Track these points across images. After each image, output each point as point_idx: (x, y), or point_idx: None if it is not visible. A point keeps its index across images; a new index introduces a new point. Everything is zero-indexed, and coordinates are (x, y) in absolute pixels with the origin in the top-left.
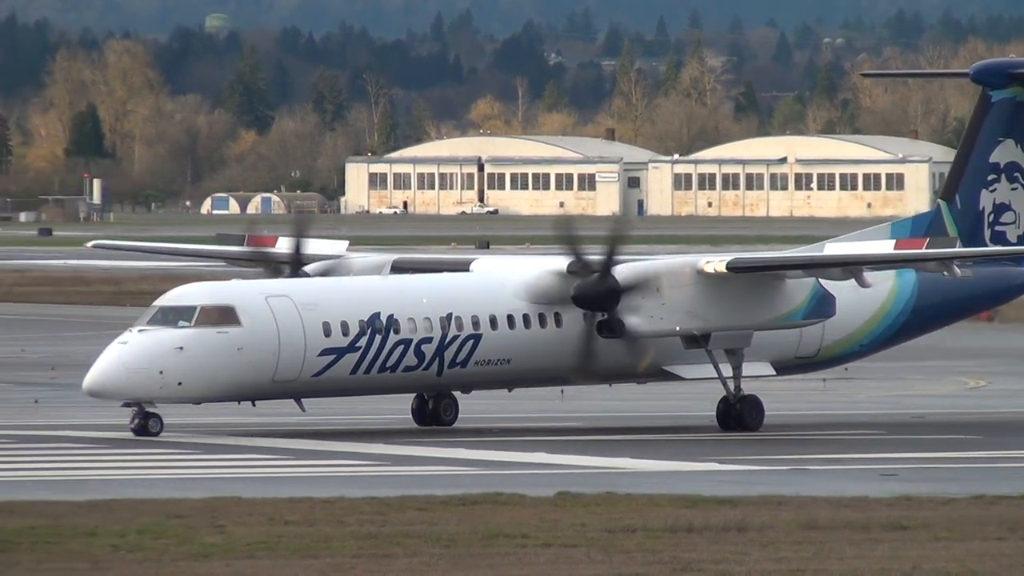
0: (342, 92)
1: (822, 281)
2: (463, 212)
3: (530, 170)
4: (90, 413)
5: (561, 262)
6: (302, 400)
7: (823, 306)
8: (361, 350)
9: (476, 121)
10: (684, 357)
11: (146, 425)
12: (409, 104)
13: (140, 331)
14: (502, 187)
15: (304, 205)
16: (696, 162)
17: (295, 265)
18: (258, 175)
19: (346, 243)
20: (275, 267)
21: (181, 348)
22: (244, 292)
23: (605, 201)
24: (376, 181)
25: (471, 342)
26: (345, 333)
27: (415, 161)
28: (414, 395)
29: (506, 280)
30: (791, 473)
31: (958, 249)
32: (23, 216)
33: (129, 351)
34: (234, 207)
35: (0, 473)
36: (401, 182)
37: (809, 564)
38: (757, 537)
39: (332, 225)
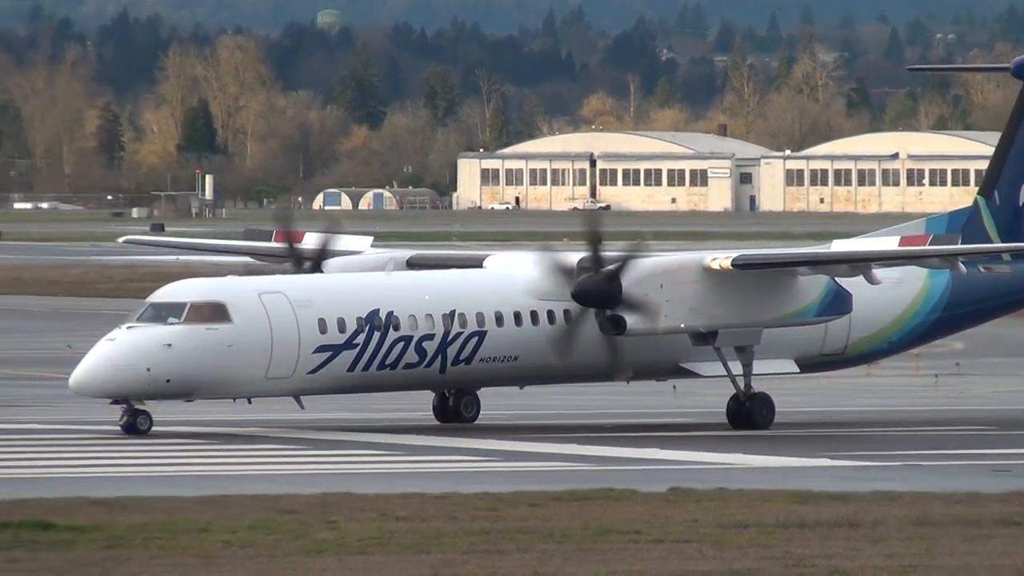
0: (454, 88)
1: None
2: (575, 208)
3: (642, 166)
4: (199, 409)
5: (572, 258)
6: (300, 398)
7: (838, 303)
8: (359, 347)
9: (588, 117)
10: (702, 354)
11: (135, 423)
12: (521, 100)
13: (128, 328)
14: (614, 183)
15: (416, 201)
16: (808, 158)
17: (318, 261)
18: (370, 171)
19: (369, 239)
20: (299, 262)
21: (169, 345)
22: (237, 289)
23: (717, 197)
24: (488, 177)
25: (475, 339)
26: (342, 330)
27: (527, 157)
28: (434, 393)
29: (515, 276)
30: (903, 469)
31: (958, 246)
32: (135, 212)
33: (116, 348)
34: (346, 203)
35: (113, 469)
36: (513, 178)
37: (921, 560)
38: (869, 533)
39: (445, 221)
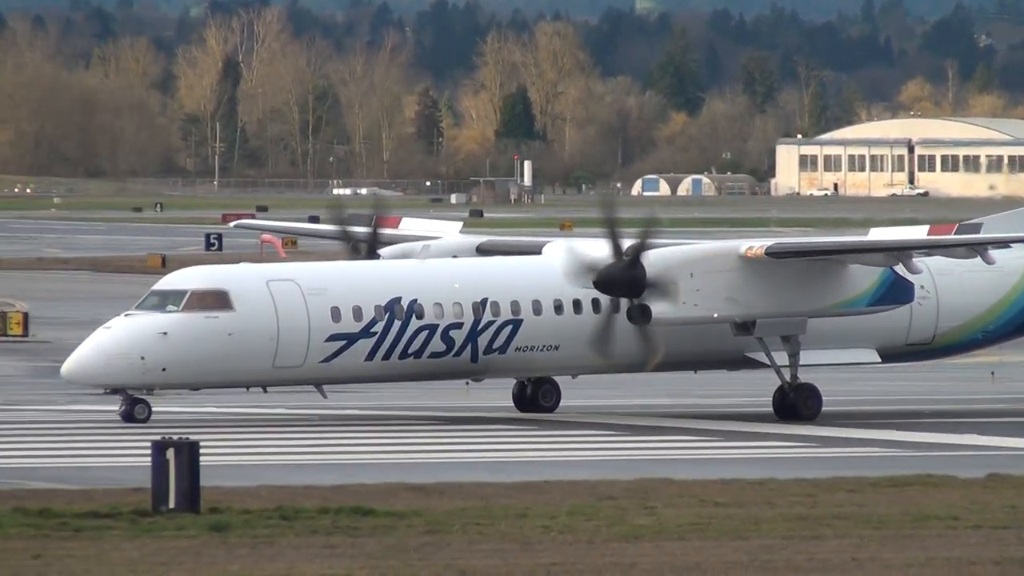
0: (772, 74)
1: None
2: (893, 194)
3: (960, 152)
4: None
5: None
6: (322, 387)
7: (895, 293)
8: (377, 336)
9: (906, 103)
10: (769, 344)
11: (132, 412)
12: (839, 86)
13: (126, 315)
14: (932, 169)
15: (734, 187)
16: None
17: (371, 246)
18: (688, 157)
19: (458, 225)
20: (354, 246)
21: (165, 333)
22: (243, 276)
23: None
24: (806, 163)
25: (509, 328)
26: (358, 318)
27: (845, 143)
28: (515, 382)
29: (559, 264)
30: None
31: (983, 235)
32: (454, 198)
33: (110, 336)
34: (664, 189)
35: (432, 455)
36: (831, 164)
37: None
38: None
39: (763, 207)
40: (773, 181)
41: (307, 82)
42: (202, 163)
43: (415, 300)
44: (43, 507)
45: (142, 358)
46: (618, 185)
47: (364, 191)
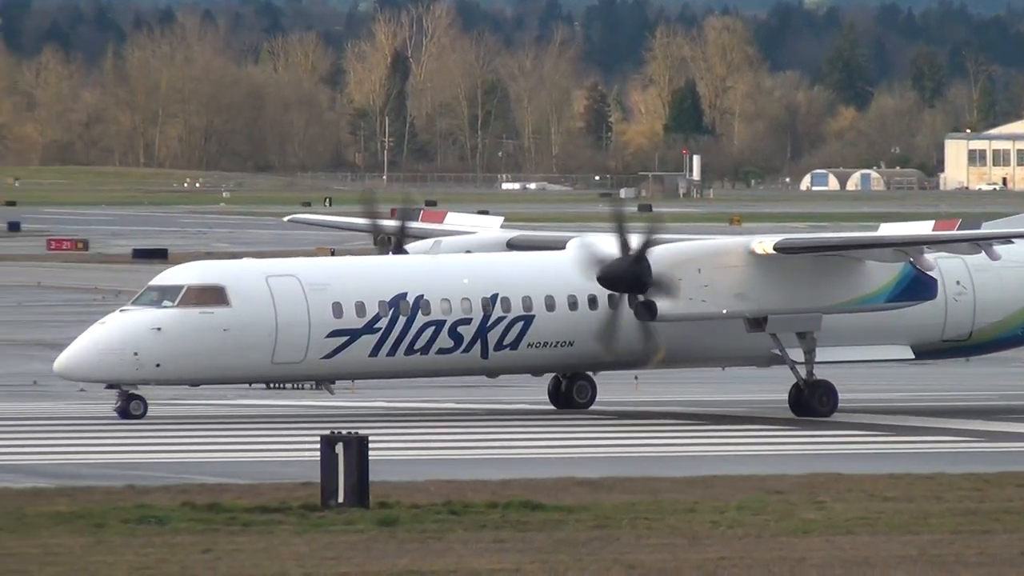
0: (941, 68)
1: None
2: None
3: None
4: (689, 390)
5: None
6: (329, 383)
7: (916, 289)
8: (381, 332)
9: None
10: (784, 341)
11: (128, 408)
12: (1008, 81)
13: (122, 311)
14: None
15: (903, 181)
16: None
17: (399, 240)
18: (857, 151)
19: (499, 220)
20: (383, 240)
21: (159, 329)
22: (242, 272)
23: None
24: (975, 157)
25: (520, 324)
26: (361, 314)
27: (1014, 138)
28: (551, 377)
29: (574, 260)
30: None
31: (985, 231)
32: (623, 192)
33: (103, 332)
34: (833, 183)
35: (601, 449)
36: (1000, 158)
37: None
38: None
39: (931, 202)
40: (942, 176)
41: (476, 76)
42: (371, 158)
43: (421, 296)
44: (212, 502)
45: (135, 354)
46: (787, 180)
47: (533, 186)
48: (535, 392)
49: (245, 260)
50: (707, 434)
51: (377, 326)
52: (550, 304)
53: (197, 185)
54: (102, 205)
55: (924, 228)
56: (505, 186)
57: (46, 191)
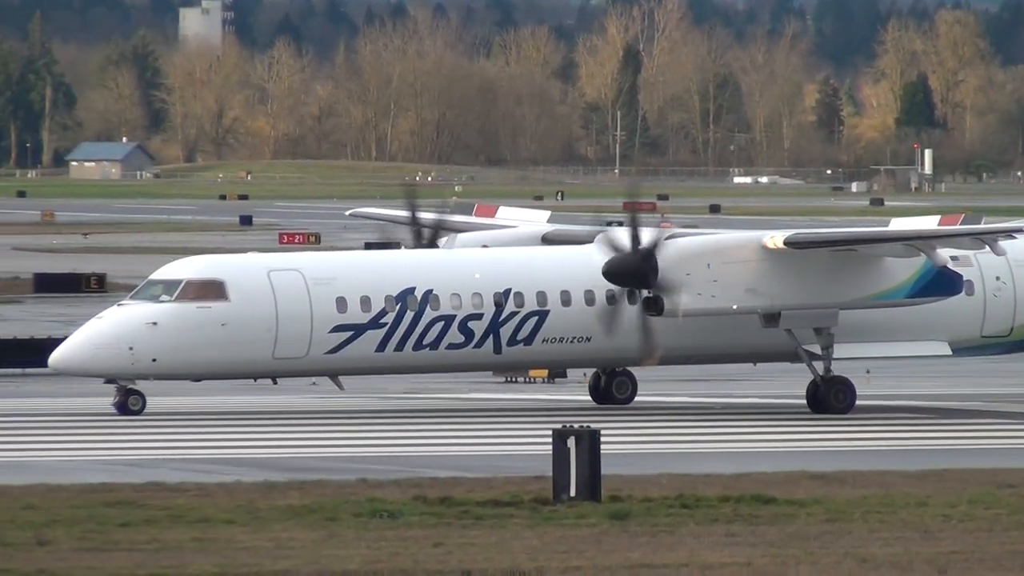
0: None
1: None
2: None
3: None
4: (919, 384)
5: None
6: (337, 378)
7: (939, 284)
8: (387, 327)
9: None
10: (800, 337)
11: (126, 403)
12: None
13: (120, 305)
14: None
15: None
16: None
17: (433, 233)
18: None
19: (547, 214)
20: (418, 233)
21: (154, 323)
22: (243, 266)
23: None
24: None
25: (534, 319)
26: (366, 309)
27: None
28: (592, 372)
29: (592, 255)
30: None
31: (990, 225)
32: (854, 186)
33: (99, 326)
34: None
35: (833, 443)
36: None
37: None
38: None
39: None
40: None
41: (707, 70)
42: (603, 151)
43: (430, 291)
44: (444, 495)
45: (130, 348)
46: (1019, 174)
47: (765, 179)
48: (781, 386)
49: (249, 254)
50: (938, 428)
51: (383, 321)
52: (565, 299)
53: (429, 179)
54: (333, 199)
55: (930, 223)
56: (737, 180)
57: (278, 185)
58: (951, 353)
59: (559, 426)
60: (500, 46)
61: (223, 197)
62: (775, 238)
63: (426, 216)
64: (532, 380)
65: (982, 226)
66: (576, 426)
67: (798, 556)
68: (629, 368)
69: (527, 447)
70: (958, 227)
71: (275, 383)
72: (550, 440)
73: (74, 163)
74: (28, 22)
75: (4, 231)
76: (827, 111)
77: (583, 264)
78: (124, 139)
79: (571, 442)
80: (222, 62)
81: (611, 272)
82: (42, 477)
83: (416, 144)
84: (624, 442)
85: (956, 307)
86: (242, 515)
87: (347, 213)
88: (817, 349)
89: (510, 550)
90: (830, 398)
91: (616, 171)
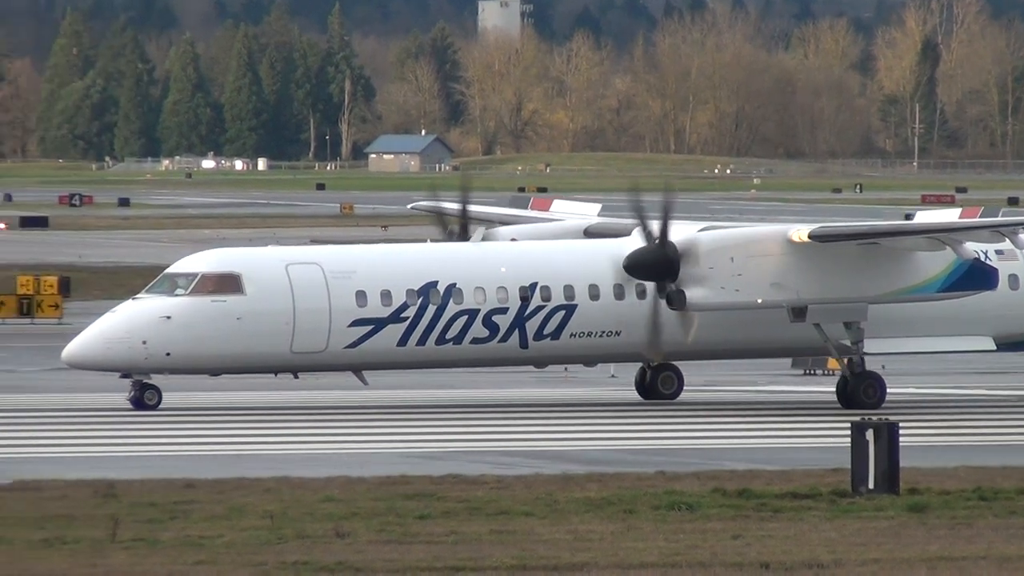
0: None
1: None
2: None
3: None
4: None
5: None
6: (362, 372)
7: (972, 278)
8: (408, 321)
9: None
10: (829, 331)
11: (142, 397)
12: None
13: (134, 299)
14: None
15: None
16: None
17: (463, 226)
18: None
19: (597, 207)
20: (446, 226)
21: (168, 317)
22: (261, 260)
23: None
24: None
25: (562, 313)
26: (387, 303)
27: None
28: (638, 367)
29: (621, 249)
30: None
31: (1010, 218)
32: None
33: (112, 320)
34: None
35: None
36: None
37: None
38: None
39: None
40: None
41: (1006, 63)
42: (901, 144)
43: (453, 284)
44: (742, 488)
45: (143, 342)
46: None
47: None
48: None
49: (268, 247)
50: None
51: (404, 315)
52: (594, 293)
53: (728, 172)
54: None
55: (951, 216)
56: None
57: (576, 177)
58: (995, 348)
59: (858, 419)
60: (798, 39)
61: (522, 189)
62: (800, 231)
63: (478, 209)
64: (830, 372)
65: (1001, 219)
66: (875, 419)
67: None
68: (673, 363)
69: (825, 440)
70: (977, 219)
71: (296, 377)
72: (846, 433)
73: (373, 156)
74: (327, 15)
75: (304, 223)
76: None
77: (615, 257)
78: (423, 132)
79: (869, 435)
80: (521, 55)
81: (633, 265)
82: (341, 470)
83: (714, 137)
84: (922, 435)
85: (1001, 301)
86: (540, 508)
87: (409, 207)
88: (847, 343)
89: (808, 542)
90: (859, 393)
91: (915, 164)
